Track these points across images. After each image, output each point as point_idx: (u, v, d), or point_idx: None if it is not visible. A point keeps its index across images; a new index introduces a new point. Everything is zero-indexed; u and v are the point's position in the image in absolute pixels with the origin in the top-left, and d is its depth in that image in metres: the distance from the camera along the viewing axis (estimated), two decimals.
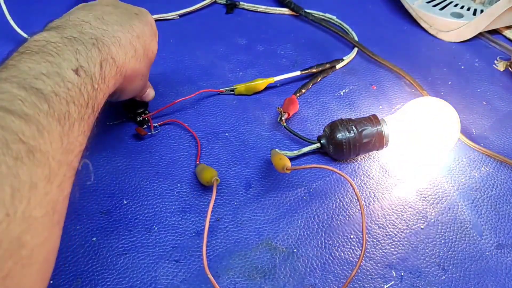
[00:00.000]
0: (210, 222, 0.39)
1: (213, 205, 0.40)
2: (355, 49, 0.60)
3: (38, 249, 0.23)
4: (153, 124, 0.47)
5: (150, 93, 0.46)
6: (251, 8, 0.68)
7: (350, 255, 0.37)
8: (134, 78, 0.38)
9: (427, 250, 0.38)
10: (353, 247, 0.38)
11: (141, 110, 0.47)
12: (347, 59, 0.58)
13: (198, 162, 0.44)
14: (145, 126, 0.47)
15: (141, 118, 0.47)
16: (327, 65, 0.56)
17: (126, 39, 0.36)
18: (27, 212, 0.22)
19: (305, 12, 0.65)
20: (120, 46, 0.35)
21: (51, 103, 0.26)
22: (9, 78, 0.25)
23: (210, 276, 0.32)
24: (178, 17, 0.65)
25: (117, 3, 0.39)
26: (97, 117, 0.31)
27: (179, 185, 0.42)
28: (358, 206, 0.41)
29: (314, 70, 0.55)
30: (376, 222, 0.40)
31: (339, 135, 0.43)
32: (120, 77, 0.35)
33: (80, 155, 0.28)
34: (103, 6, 0.37)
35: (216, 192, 0.41)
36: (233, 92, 0.52)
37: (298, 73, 0.54)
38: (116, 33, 0.35)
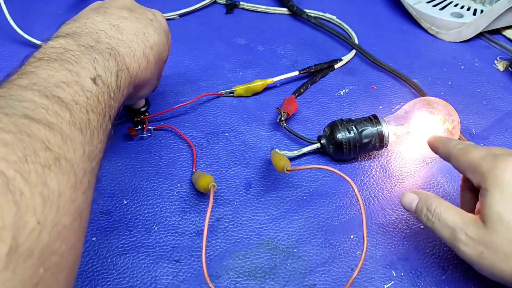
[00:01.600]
0: (210, 222, 0.39)
1: (213, 205, 0.40)
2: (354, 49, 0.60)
3: (66, 255, 0.23)
4: (148, 127, 0.46)
5: (141, 102, 0.46)
6: (251, 8, 0.68)
7: (350, 255, 0.37)
8: (142, 87, 0.39)
9: (427, 250, 0.38)
10: (353, 247, 0.38)
11: (143, 110, 0.47)
12: (346, 59, 0.58)
13: (194, 170, 0.43)
14: (139, 127, 0.47)
15: (139, 119, 0.47)
16: (325, 65, 0.56)
17: (140, 50, 0.35)
18: (56, 220, 0.22)
19: (307, 15, 0.65)
20: (134, 57, 0.34)
21: (72, 111, 0.26)
22: (30, 86, 0.25)
23: (210, 284, 0.32)
24: (178, 17, 0.65)
25: (133, 5, 0.39)
26: (113, 125, 0.31)
27: (179, 185, 0.42)
28: (358, 206, 0.41)
29: (312, 70, 0.55)
30: (376, 222, 0.40)
31: (339, 135, 0.43)
32: (132, 87, 0.35)
33: (100, 162, 0.28)
34: (119, 10, 0.36)
35: (217, 192, 0.41)
36: (232, 94, 0.52)
37: (296, 73, 0.54)
38: (131, 43, 0.35)
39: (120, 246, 0.37)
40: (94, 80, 0.29)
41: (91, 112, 0.27)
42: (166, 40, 0.41)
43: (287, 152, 0.44)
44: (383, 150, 0.46)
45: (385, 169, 0.45)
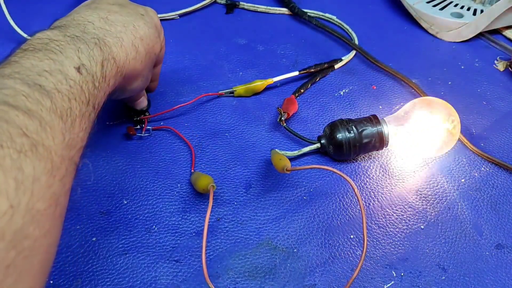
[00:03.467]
0: (210, 222, 0.39)
1: (213, 205, 0.40)
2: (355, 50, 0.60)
3: (40, 240, 0.23)
4: (146, 127, 0.46)
5: (143, 102, 0.46)
6: (251, 8, 0.68)
7: (350, 255, 0.37)
8: (134, 79, 0.39)
9: (427, 250, 0.38)
10: (353, 247, 0.38)
11: (143, 110, 0.47)
12: (346, 59, 0.58)
13: (193, 170, 0.43)
14: (138, 127, 0.47)
15: (138, 118, 0.47)
16: (325, 65, 0.56)
17: (128, 40, 0.36)
18: (30, 204, 0.22)
19: (308, 16, 0.65)
20: (121, 47, 0.35)
21: (53, 99, 0.26)
22: (12, 74, 0.26)
23: (210, 285, 0.32)
24: (178, 17, 0.65)
25: (124, 1, 0.39)
26: (98, 115, 0.32)
27: (179, 185, 0.42)
28: (358, 206, 0.41)
29: (312, 70, 0.55)
30: (376, 222, 0.40)
31: (339, 135, 0.43)
32: (120, 77, 0.35)
33: (81, 151, 0.29)
34: (109, 5, 0.37)
35: (216, 192, 0.41)
36: (232, 94, 0.52)
37: (296, 73, 0.54)
38: (119, 34, 0.35)
39: (120, 246, 0.37)
40: (78, 69, 0.29)
41: (73, 100, 0.28)
42: (158, 35, 0.41)
43: (287, 152, 0.44)
44: (383, 150, 0.46)
45: (385, 169, 0.45)
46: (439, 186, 0.43)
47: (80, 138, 0.28)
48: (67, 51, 0.29)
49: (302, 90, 0.53)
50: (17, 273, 0.21)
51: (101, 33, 0.33)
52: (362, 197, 0.42)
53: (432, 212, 0.41)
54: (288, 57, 0.59)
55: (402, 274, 0.36)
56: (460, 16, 0.64)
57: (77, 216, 0.39)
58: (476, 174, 0.45)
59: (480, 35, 0.64)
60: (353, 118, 0.45)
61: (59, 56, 0.28)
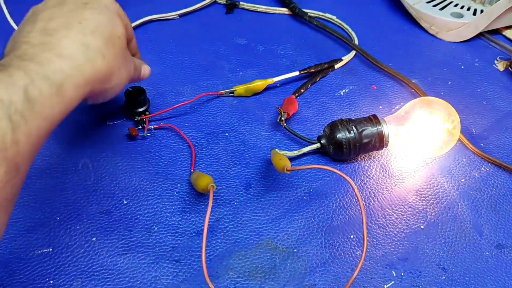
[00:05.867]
0: (210, 222, 0.39)
1: (213, 205, 0.40)
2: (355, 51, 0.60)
3: None
4: (148, 127, 0.46)
5: (146, 70, 0.43)
6: (251, 8, 0.68)
7: (350, 255, 0.37)
8: (106, 77, 0.34)
9: (427, 250, 0.38)
10: (353, 247, 0.38)
11: (142, 110, 0.47)
12: (346, 59, 0.58)
13: (192, 170, 0.43)
14: (140, 127, 0.47)
15: (139, 118, 0.47)
16: (326, 65, 0.56)
17: (73, 45, 0.31)
18: None
19: (309, 17, 0.65)
20: (64, 56, 0.31)
21: None
22: None
23: (210, 285, 0.32)
24: (178, 17, 0.65)
25: None
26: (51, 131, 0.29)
27: (179, 185, 0.42)
28: (358, 206, 0.41)
29: (312, 70, 0.55)
30: (376, 222, 0.40)
31: (339, 135, 0.43)
32: (81, 86, 0.31)
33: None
34: (48, 10, 0.33)
35: (216, 192, 0.41)
36: (232, 94, 0.52)
37: (296, 73, 0.54)
38: (61, 42, 0.31)
39: (120, 246, 0.37)
40: None
41: None
42: (113, 15, 0.36)
43: (287, 152, 0.44)
44: (383, 150, 0.46)
45: (385, 169, 0.45)
46: (439, 186, 0.43)
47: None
48: None
49: (302, 90, 0.53)
50: None
51: (38, 51, 0.30)
52: (362, 197, 0.42)
53: (432, 212, 0.41)
54: (288, 57, 0.59)
55: (402, 274, 0.36)
56: (460, 16, 0.64)
57: (77, 216, 0.39)
58: (476, 174, 0.45)
59: (480, 35, 0.64)
60: (353, 118, 0.45)
61: None
